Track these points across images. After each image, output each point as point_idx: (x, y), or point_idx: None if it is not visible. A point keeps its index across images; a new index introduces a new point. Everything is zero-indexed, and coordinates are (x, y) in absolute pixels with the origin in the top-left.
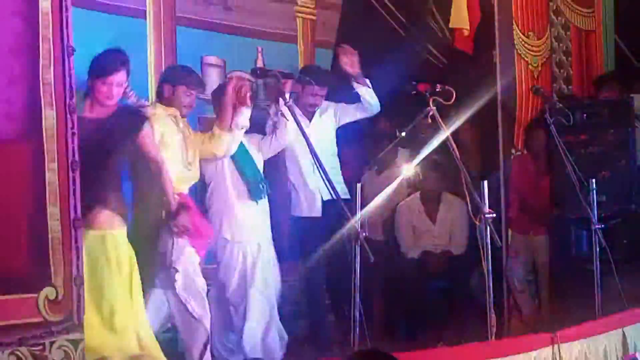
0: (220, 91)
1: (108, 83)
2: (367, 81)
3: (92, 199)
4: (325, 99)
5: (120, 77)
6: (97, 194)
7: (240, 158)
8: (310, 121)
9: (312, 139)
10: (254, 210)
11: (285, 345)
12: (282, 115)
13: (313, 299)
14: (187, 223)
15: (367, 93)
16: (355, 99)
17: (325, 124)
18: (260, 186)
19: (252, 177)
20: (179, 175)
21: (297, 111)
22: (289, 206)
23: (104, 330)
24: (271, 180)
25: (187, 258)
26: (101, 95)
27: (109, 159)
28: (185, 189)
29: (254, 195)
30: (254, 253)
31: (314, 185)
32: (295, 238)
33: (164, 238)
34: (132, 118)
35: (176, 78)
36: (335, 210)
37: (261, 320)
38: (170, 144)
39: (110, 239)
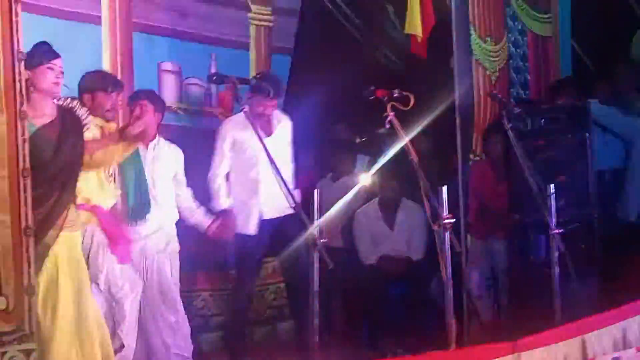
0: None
1: (55, 66)
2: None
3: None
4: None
5: (60, 62)
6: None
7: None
8: (268, 135)
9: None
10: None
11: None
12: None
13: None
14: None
15: None
16: None
17: (282, 136)
18: (144, 207)
19: (137, 197)
20: (99, 189)
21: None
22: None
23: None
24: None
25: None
26: (47, 82)
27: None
28: (109, 203)
29: (134, 216)
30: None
31: (254, 202)
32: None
33: None
34: (76, 123)
35: (92, 84)
36: (274, 229)
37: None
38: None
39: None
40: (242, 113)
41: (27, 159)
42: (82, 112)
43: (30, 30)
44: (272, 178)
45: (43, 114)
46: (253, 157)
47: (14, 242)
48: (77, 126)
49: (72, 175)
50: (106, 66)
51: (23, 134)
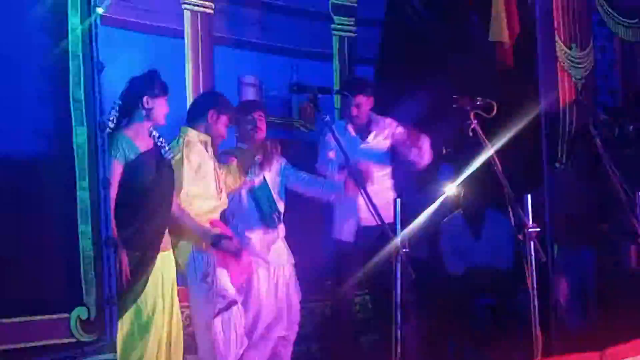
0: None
1: (162, 101)
2: None
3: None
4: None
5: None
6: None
7: (258, 189)
8: (364, 141)
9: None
10: (264, 237)
11: None
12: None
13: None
14: (232, 247)
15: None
16: None
17: (379, 144)
18: (274, 217)
19: (267, 208)
20: (211, 205)
21: (348, 131)
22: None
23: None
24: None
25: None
26: (162, 112)
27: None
28: (216, 217)
29: (267, 224)
30: (272, 275)
31: (352, 208)
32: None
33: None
34: (165, 167)
35: (220, 105)
36: (372, 236)
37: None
38: (206, 174)
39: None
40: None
41: (107, 170)
42: (165, 151)
43: (113, 44)
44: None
45: (144, 142)
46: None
47: (95, 253)
48: (167, 159)
49: (167, 200)
50: (188, 80)
51: (103, 145)
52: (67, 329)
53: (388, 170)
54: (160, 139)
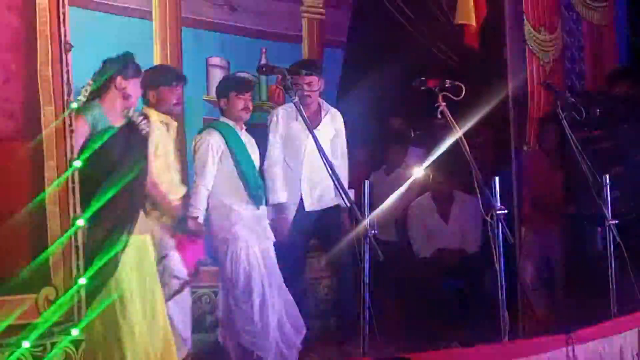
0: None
1: (134, 83)
2: None
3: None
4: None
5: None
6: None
7: (244, 165)
8: (314, 127)
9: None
10: (252, 212)
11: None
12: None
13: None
14: (197, 228)
15: None
16: None
17: (327, 133)
18: (260, 193)
19: (254, 184)
20: (172, 183)
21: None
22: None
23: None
24: None
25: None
26: (134, 93)
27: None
28: (179, 195)
29: (256, 201)
30: (256, 252)
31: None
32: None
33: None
34: (145, 128)
35: (156, 79)
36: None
37: (273, 315)
38: (163, 155)
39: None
40: (292, 103)
41: (75, 149)
42: (143, 125)
43: (81, 25)
44: (316, 169)
45: (118, 115)
46: (301, 148)
47: (63, 233)
48: (143, 137)
49: (141, 182)
50: (156, 61)
51: (71, 125)
52: (35, 309)
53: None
54: (135, 114)
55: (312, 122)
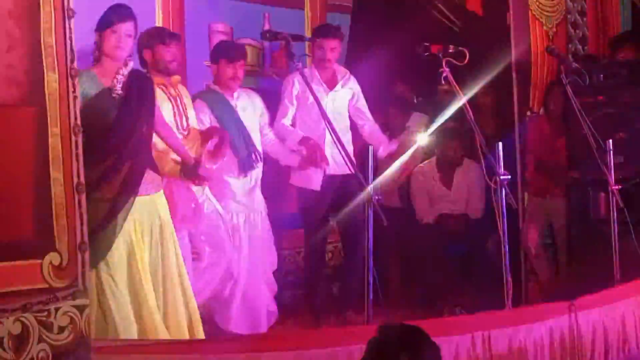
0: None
1: (118, 32)
2: None
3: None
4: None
5: (128, 27)
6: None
7: (232, 132)
8: (331, 90)
9: (330, 107)
10: (243, 182)
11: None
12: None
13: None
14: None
15: None
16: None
17: (344, 95)
18: (253, 156)
19: (245, 149)
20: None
21: (316, 77)
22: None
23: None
24: None
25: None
26: (110, 45)
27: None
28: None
29: (244, 168)
30: (242, 223)
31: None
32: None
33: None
34: (144, 84)
35: (149, 39)
36: (338, 186)
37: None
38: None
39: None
40: (308, 68)
41: (79, 116)
42: (143, 80)
43: None
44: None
45: (112, 77)
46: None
47: (67, 199)
48: (148, 93)
49: (145, 140)
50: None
51: (74, 91)
52: (40, 274)
53: (348, 122)
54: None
55: (328, 85)
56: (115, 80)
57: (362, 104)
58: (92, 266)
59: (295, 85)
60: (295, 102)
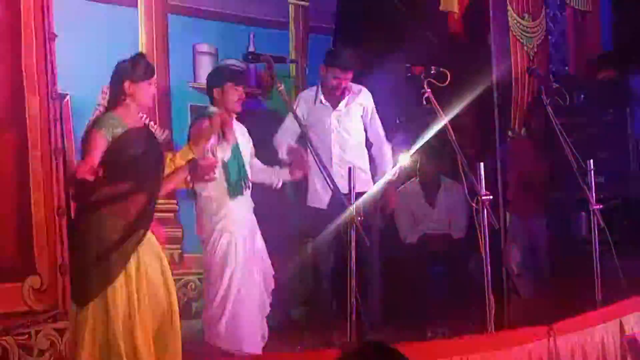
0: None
1: (153, 84)
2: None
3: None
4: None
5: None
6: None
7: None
8: (334, 109)
9: (336, 125)
10: (236, 204)
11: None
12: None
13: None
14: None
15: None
16: None
17: (351, 112)
18: (241, 183)
19: (235, 176)
20: None
21: (319, 98)
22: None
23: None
24: None
25: None
26: (145, 96)
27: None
28: None
29: (232, 193)
30: (237, 245)
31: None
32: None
33: None
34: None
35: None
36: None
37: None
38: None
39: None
40: (312, 87)
41: (59, 139)
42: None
43: (66, 13)
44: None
45: (133, 121)
46: (325, 126)
47: (48, 222)
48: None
49: (158, 178)
50: (142, 49)
51: (55, 114)
52: (20, 297)
53: (362, 139)
54: (151, 122)
55: (332, 104)
56: (141, 123)
57: (374, 119)
58: (99, 290)
59: (300, 105)
60: (295, 125)
